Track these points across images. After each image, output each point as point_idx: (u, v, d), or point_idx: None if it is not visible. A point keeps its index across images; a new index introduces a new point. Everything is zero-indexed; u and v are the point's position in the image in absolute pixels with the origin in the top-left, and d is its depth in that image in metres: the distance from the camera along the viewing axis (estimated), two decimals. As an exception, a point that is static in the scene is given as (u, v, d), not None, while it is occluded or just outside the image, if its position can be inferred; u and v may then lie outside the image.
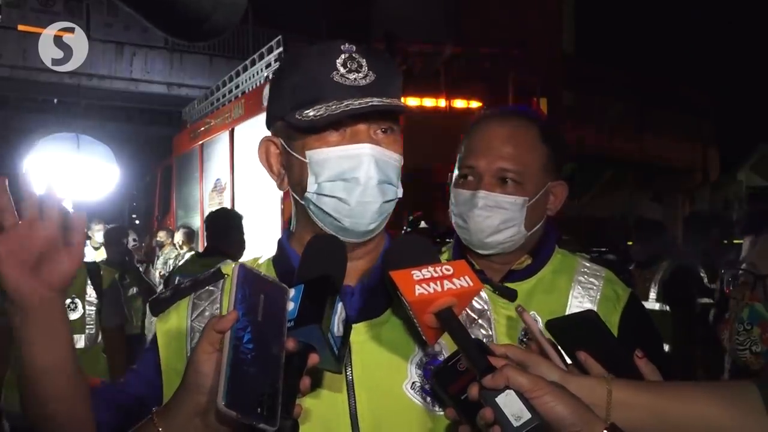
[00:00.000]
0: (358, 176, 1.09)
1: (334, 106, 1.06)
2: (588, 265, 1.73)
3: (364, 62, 1.11)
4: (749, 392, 1.05)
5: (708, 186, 20.65)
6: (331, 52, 1.11)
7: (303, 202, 1.15)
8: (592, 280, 1.67)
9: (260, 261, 1.25)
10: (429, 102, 8.09)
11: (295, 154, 1.14)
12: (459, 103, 8.13)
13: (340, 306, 0.98)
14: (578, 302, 1.64)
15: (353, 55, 1.11)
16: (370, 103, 1.07)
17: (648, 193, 21.71)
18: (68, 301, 3.59)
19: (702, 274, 4.99)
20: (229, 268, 1.22)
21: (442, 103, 8.12)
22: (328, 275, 0.99)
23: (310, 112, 1.08)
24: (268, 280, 0.96)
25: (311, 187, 1.12)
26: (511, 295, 1.43)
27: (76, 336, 3.56)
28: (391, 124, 1.14)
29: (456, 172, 1.70)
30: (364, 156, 1.09)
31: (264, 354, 0.89)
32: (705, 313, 4.57)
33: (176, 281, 1.30)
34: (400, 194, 1.15)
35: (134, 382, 1.16)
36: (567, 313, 1.59)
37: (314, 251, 1.07)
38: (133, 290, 6.15)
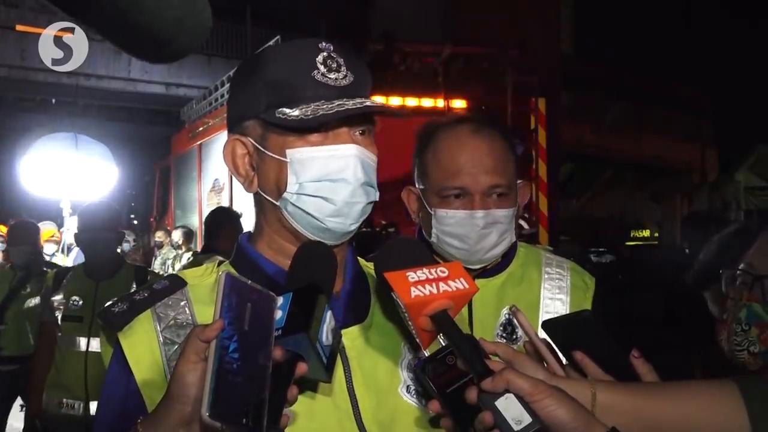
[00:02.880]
0: (346, 177, 1.06)
1: (326, 107, 1.03)
2: (551, 256, 1.75)
3: (342, 62, 1.09)
4: (730, 391, 1.06)
5: (706, 186, 20.68)
6: (309, 50, 1.07)
7: (278, 203, 1.10)
8: (558, 270, 1.70)
9: (216, 266, 1.20)
10: (427, 102, 8.09)
11: (270, 153, 1.09)
12: (457, 104, 8.13)
13: (329, 314, 0.95)
14: (550, 293, 1.65)
15: (332, 54, 1.08)
16: (364, 104, 1.05)
17: (646, 194, 21.75)
18: (110, 304, 3.54)
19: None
20: (187, 274, 1.18)
21: (440, 103, 8.12)
22: (316, 283, 0.97)
23: (294, 112, 1.04)
24: (256, 289, 0.94)
25: (291, 187, 1.08)
26: None
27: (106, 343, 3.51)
28: (370, 125, 1.11)
29: (427, 191, 1.64)
30: (351, 157, 1.07)
31: (250, 363, 0.87)
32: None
33: None
34: (377, 197, 1.12)
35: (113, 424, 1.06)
36: (540, 305, 1.62)
37: (303, 258, 1.04)
38: (33, 302, 4.64)
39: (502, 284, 1.67)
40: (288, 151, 1.07)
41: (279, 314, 0.93)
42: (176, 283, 1.15)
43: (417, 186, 1.69)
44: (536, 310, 1.62)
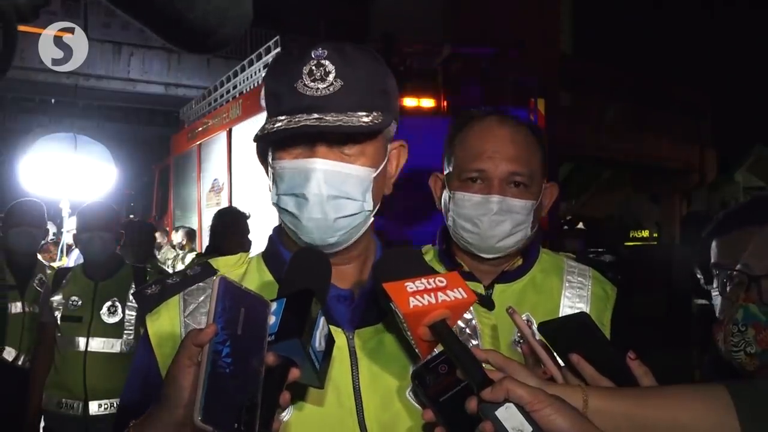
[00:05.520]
0: (305, 192, 1.07)
1: (279, 123, 1.05)
2: (574, 264, 1.73)
3: (332, 69, 1.07)
4: (720, 395, 1.06)
5: (705, 187, 20.69)
6: (302, 58, 1.08)
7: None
8: (580, 279, 1.68)
9: (249, 256, 1.24)
10: (426, 102, 8.08)
11: (269, 160, 1.14)
12: (456, 104, 8.13)
13: (322, 320, 0.96)
14: (570, 302, 1.64)
15: (322, 61, 1.07)
16: (300, 123, 1.04)
17: (645, 194, 21.76)
18: (108, 303, 3.54)
19: (699, 276, 4.98)
20: (220, 263, 1.21)
21: (439, 103, 8.12)
22: (310, 289, 0.97)
23: (270, 125, 1.07)
24: (250, 294, 0.94)
25: (273, 198, 1.12)
26: (489, 305, 1.43)
27: (112, 340, 3.50)
28: (357, 136, 1.09)
29: (451, 175, 1.67)
30: (313, 171, 1.07)
31: (243, 368, 0.88)
32: (702, 315, 4.58)
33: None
34: (368, 207, 1.12)
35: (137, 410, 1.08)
36: (560, 314, 1.60)
37: (298, 264, 1.05)
38: None
39: (522, 289, 1.66)
40: (272, 163, 1.12)
41: (272, 320, 0.93)
42: (207, 271, 1.19)
43: (443, 172, 1.71)
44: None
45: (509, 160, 1.59)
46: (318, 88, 1.06)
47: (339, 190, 1.08)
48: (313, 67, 1.07)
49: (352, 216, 1.10)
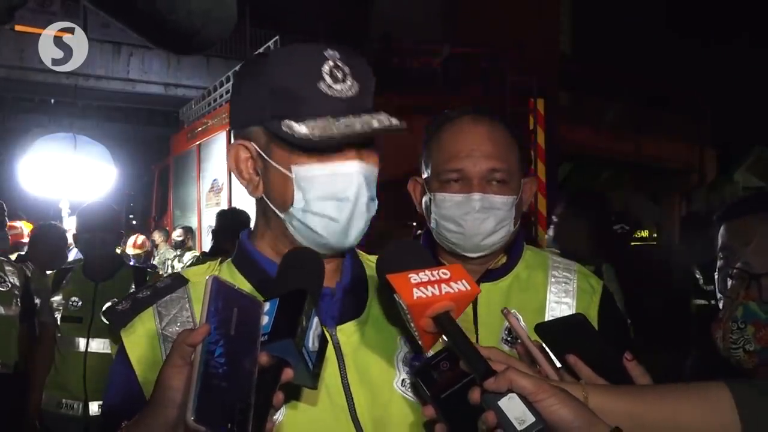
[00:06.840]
0: (349, 195, 1.06)
1: (333, 126, 1.02)
2: (558, 259, 1.73)
3: (348, 71, 1.07)
4: (720, 393, 1.06)
5: (705, 187, 20.69)
6: (315, 58, 1.06)
7: (283, 216, 1.10)
8: (565, 273, 1.68)
9: (218, 264, 1.22)
10: (426, 102, 8.09)
11: (276, 165, 1.08)
12: (455, 104, 8.13)
13: (315, 321, 0.95)
14: (556, 297, 1.64)
15: (338, 63, 1.06)
16: (371, 126, 1.04)
17: (645, 194, 21.75)
18: (115, 302, 3.53)
19: (698, 275, 4.98)
20: (190, 272, 1.19)
21: (439, 103, 8.12)
22: (303, 289, 0.96)
23: (302, 129, 1.02)
24: (242, 294, 0.94)
25: (298, 203, 1.08)
26: None
27: (112, 342, 3.51)
28: (372, 137, 1.10)
29: (430, 177, 1.66)
30: (355, 174, 1.07)
31: (236, 368, 0.88)
32: (700, 315, 4.58)
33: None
34: (376, 207, 1.13)
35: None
36: (546, 309, 1.61)
37: (290, 265, 1.04)
38: None
39: (508, 288, 1.65)
40: (293, 167, 1.07)
41: (266, 320, 0.93)
42: (178, 281, 1.17)
43: (422, 176, 1.70)
44: (542, 314, 1.60)
45: (487, 157, 1.59)
46: (342, 89, 1.06)
47: (372, 192, 1.10)
48: (333, 68, 1.06)
49: (371, 217, 1.12)
